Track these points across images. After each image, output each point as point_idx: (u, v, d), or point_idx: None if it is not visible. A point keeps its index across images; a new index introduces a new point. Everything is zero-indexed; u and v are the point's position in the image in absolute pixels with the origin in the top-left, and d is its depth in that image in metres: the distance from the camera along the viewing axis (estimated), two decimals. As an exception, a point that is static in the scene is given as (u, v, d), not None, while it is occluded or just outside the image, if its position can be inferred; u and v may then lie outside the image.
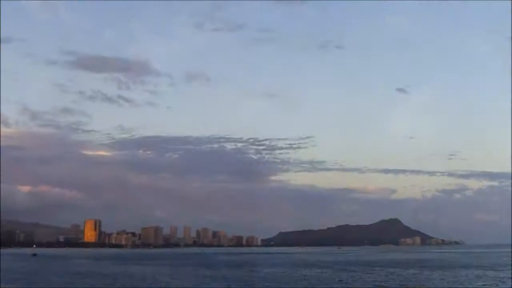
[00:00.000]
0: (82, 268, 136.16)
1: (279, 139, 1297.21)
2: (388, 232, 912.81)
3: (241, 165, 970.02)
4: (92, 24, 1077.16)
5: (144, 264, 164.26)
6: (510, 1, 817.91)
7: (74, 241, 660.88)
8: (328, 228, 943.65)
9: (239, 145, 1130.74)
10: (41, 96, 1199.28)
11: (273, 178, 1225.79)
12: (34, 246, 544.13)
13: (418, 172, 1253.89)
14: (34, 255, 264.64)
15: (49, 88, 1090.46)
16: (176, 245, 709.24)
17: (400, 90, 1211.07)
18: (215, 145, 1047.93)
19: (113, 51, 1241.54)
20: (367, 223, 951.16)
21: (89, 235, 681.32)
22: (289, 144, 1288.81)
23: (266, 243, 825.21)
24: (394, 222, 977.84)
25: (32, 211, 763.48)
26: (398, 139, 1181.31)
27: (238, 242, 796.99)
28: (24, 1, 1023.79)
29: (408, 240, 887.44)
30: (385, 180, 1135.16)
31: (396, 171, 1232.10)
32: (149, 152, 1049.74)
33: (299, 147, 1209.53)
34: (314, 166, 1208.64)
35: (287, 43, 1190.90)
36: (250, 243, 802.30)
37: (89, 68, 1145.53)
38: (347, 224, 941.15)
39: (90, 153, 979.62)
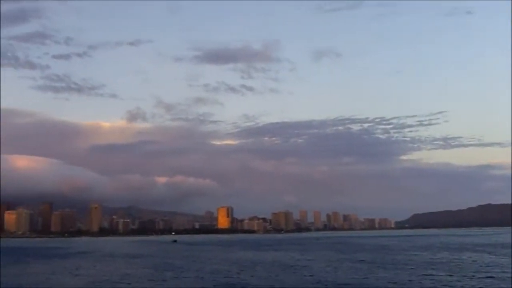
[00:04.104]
0: (231, 254, 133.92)
1: (407, 116, 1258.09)
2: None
3: (368, 146, 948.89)
4: (214, 19, 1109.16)
5: (283, 249, 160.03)
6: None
7: (208, 227, 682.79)
8: (468, 208, 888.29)
9: (366, 125, 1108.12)
10: (171, 91, 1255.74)
11: (403, 157, 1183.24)
12: (173, 233, 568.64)
13: None
14: (175, 241, 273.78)
15: (178, 83, 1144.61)
16: (307, 229, 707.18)
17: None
18: (340, 127, 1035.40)
19: (235, 42, 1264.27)
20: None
21: (222, 222, 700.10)
22: (419, 121, 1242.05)
23: (400, 225, 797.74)
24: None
25: (169, 200, 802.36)
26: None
27: (370, 225, 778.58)
28: (150, 1, 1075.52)
29: None
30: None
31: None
32: (274, 138, 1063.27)
33: (430, 124, 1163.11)
34: (448, 142, 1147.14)
35: (410, 14, 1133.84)
36: (382, 226, 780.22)
37: (214, 61, 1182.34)
38: (489, 203, 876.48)
39: (218, 143, 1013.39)
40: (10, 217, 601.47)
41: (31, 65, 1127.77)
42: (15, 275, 77.37)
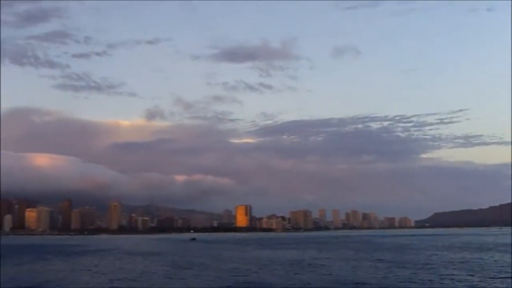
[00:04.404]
0: (250, 254, 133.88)
1: (428, 114, 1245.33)
2: None
3: (388, 144, 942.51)
4: (232, 17, 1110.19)
5: (302, 247, 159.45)
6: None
7: (227, 226, 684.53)
8: (490, 207, 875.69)
9: (385, 123, 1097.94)
10: (189, 89, 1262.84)
11: (424, 156, 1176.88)
12: (192, 231, 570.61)
13: None
14: (193, 239, 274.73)
15: (196, 82, 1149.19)
16: (326, 228, 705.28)
17: None
18: (360, 125, 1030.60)
19: (253, 40, 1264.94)
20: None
21: (241, 220, 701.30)
22: (440, 119, 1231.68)
23: (420, 224, 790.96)
24: None
25: (187, 198, 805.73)
26: None
27: (390, 224, 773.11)
28: (167, 1, 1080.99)
29: None
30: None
31: None
32: (293, 136, 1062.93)
33: (451, 122, 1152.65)
34: (469, 140, 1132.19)
35: (430, 11, 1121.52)
36: (402, 225, 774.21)
37: (232, 59, 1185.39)
38: (511, 203, 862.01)
39: (236, 141, 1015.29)
40: (30, 214, 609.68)
41: (51, 64, 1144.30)
42: (36, 271, 78.23)
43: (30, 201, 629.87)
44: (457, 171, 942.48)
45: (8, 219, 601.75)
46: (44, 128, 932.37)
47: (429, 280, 58.89)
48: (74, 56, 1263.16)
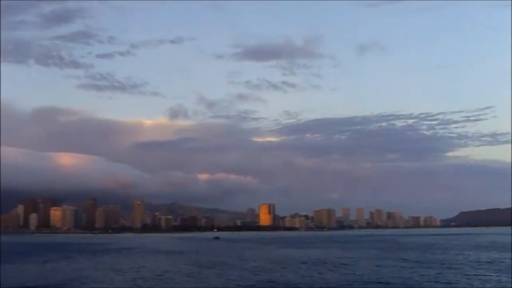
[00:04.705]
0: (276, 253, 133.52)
1: (454, 112, 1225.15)
2: None
3: (413, 142, 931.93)
4: (256, 15, 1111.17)
5: (326, 247, 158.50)
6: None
7: (250, 224, 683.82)
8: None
9: (410, 121, 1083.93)
10: (212, 88, 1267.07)
11: (450, 154, 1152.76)
12: (215, 230, 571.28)
13: None
14: (216, 238, 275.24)
15: (219, 80, 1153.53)
16: (350, 227, 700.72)
17: None
18: (384, 124, 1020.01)
19: (277, 38, 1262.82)
20: None
21: (264, 219, 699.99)
22: (466, 116, 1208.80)
23: (446, 223, 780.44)
24: None
25: (211, 197, 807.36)
26: None
27: (415, 223, 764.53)
28: (190, 0, 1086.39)
29: None
30: None
31: None
32: (316, 135, 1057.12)
33: (477, 119, 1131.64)
34: (496, 138, 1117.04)
35: (456, 7, 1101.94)
36: (428, 224, 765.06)
37: (255, 57, 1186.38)
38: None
39: (259, 140, 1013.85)
40: (55, 213, 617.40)
41: (76, 65, 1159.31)
42: (60, 270, 79.00)
43: (55, 200, 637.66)
44: (484, 169, 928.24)
45: (33, 217, 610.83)
46: (69, 127, 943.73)
47: (456, 280, 57.82)
48: (98, 56, 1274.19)
